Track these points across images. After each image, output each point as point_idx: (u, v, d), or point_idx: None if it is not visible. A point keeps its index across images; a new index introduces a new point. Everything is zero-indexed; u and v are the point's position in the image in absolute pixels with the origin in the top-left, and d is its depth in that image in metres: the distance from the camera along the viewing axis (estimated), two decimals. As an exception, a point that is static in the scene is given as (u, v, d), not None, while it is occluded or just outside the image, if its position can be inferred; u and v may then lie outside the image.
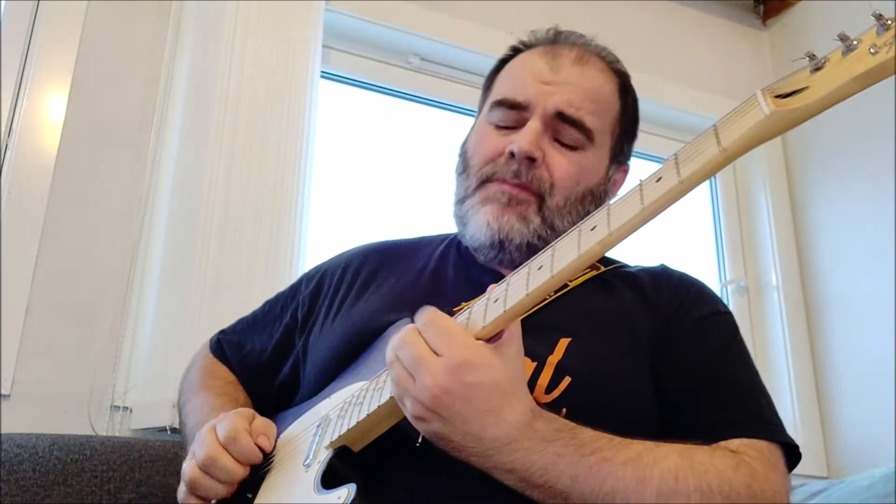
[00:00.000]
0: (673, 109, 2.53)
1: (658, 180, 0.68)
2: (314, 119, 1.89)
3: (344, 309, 1.08)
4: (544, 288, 0.72)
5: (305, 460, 0.84)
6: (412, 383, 0.74)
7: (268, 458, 0.92)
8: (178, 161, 1.77)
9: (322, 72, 2.00)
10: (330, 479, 0.80)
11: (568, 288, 0.99)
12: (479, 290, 0.96)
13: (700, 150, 0.66)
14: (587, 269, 1.04)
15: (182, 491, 0.90)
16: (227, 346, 1.19)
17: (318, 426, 0.88)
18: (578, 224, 0.74)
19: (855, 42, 0.61)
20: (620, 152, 1.12)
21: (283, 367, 1.11)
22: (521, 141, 1.00)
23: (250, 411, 0.94)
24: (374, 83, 2.22)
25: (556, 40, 1.11)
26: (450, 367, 0.73)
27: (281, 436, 0.95)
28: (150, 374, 1.60)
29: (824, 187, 2.49)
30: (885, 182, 2.23)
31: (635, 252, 1.10)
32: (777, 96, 0.63)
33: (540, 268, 0.74)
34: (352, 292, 1.10)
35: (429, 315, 0.77)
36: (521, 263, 0.98)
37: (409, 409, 0.75)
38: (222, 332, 1.23)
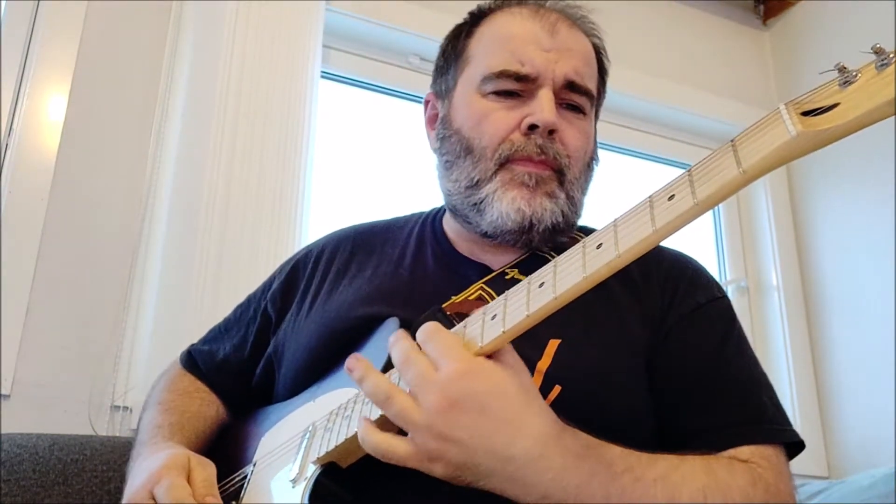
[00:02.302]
0: (672, 109, 2.53)
1: (670, 198, 0.63)
2: (314, 119, 1.89)
3: (318, 303, 1.03)
4: (546, 310, 0.68)
5: (292, 475, 0.81)
6: (415, 410, 0.69)
7: (250, 462, 0.91)
8: (179, 161, 1.77)
9: (322, 72, 2.00)
10: (317, 497, 0.77)
11: None
12: (463, 284, 0.95)
13: (717, 169, 0.61)
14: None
15: None
16: (198, 357, 1.14)
17: (304, 436, 0.85)
18: (583, 240, 0.69)
19: (892, 56, 0.55)
20: (598, 113, 1.09)
21: (258, 368, 1.07)
22: (545, 112, 0.93)
23: (183, 461, 0.85)
24: (374, 83, 2.22)
25: (526, 2, 1.03)
26: (451, 378, 0.68)
27: (263, 438, 0.93)
28: (150, 374, 1.60)
29: (824, 187, 2.49)
30: (885, 182, 2.23)
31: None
32: (803, 113, 0.57)
33: (541, 285, 0.69)
34: (325, 285, 1.05)
35: (428, 329, 0.73)
36: (527, 246, 0.97)
37: (417, 448, 0.69)
38: (192, 345, 1.18)
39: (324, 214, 1.97)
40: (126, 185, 1.77)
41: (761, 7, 2.80)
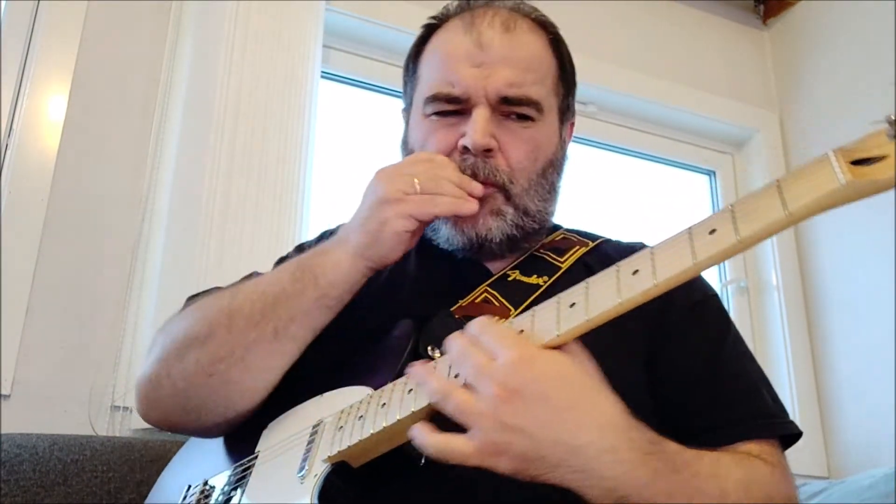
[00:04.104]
0: (672, 109, 2.52)
1: (711, 232, 0.63)
2: (314, 119, 1.89)
3: None
4: (577, 331, 0.68)
5: (300, 471, 0.80)
6: (475, 403, 0.66)
7: (251, 452, 0.90)
8: (179, 161, 1.77)
9: (322, 72, 2.00)
10: (326, 494, 0.76)
11: (559, 273, 0.97)
12: (467, 285, 0.96)
13: (762, 208, 0.61)
14: (577, 246, 1.03)
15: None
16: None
17: (312, 432, 0.84)
18: (618, 263, 0.68)
19: None
20: (567, 110, 1.07)
21: None
22: (474, 135, 0.94)
23: None
24: (374, 83, 2.22)
25: (471, 6, 1.03)
26: (509, 366, 0.65)
27: (266, 431, 0.92)
28: (150, 374, 1.60)
29: (824, 187, 2.48)
30: (885, 182, 2.22)
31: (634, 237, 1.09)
32: (852, 162, 0.58)
33: (572, 305, 0.69)
34: None
35: (483, 321, 0.71)
36: (501, 255, 0.98)
37: (480, 442, 0.66)
38: (195, 294, 1.13)
39: (324, 214, 1.97)
40: (126, 184, 1.77)
41: (761, 7, 2.80)
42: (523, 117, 0.98)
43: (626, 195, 2.52)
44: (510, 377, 0.65)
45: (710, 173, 2.66)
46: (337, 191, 2.07)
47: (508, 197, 0.96)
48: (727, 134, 2.64)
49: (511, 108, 0.97)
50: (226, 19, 1.85)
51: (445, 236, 0.98)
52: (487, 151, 0.95)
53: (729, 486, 0.73)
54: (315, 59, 1.93)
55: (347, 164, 2.13)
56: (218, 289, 1.04)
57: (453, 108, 0.98)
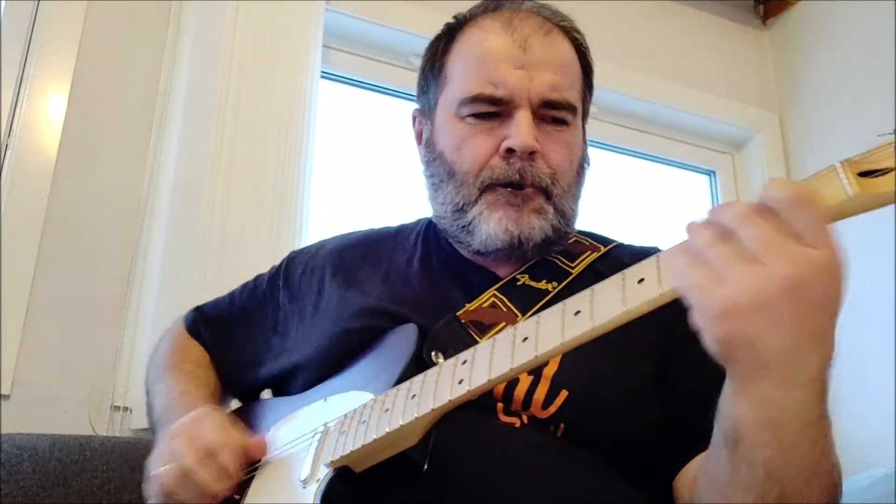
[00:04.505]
0: (672, 109, 2.52)
1: None
2: (314, 119, 1.89)
3: (331, 303, 1.03)
4: (581, 339, 0.67)
5: (302, 475, 0.80)
6: (753, 267, 0.56)
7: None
8: (179, 161, 1.77)
9: (322, 72, 2.00)
10: (328, 499, 0.76)
11: (569, 279, 0.96)
12: (473, 290, 0.96)
13: None
14: (588, 251, 1.03)
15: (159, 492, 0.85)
16: (205, 331, 1.15)
17: (314, 436, 0.84)
18: (624, 271, 0.66)
19: None
20: (587, 113, 1.08)
21: (266, 363, 1.06)
22: (522, 137, 0.93)
23: (223, 416, 0.91)
24: (374, 83, 2.22)
25: (500, 7, 1.02)
26: (824, 258, 0.56)
27: (270, 432, 0.92)
28: (150, 374, 1.60)
29: (824, 187, 2.48)
30: (885, 182, 2.22)
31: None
32: (859, 174, 0.58)
33: (577, 313, 0.67)
34: (336, 286, 1.05)
35: (803, 195, 0.58)
36: (518, 259, 0.98)
37: (725, 297, 0.57)
38: (198, 310, 1.19)
39: (324, 215, 1.97)
40: (126, 184, 1.77)
41: (761, 7, 2.80)
42: (558, 121, 0.98)
43: (626, 195, 2.52)
44: (810, 273, 0.56)
45: (710, 173, 2.67)
46: (337, 190, 2.07)
47: (549, 197, 0.96)
48: (727, 134, 2.64)
49: (549, 112, 0.97)
50: (226, 19, 1.85)
51: (483, 237, 0.96)
52: (531, 154, 0.95)
53: (833, 459, 0.68)
54: (315, 59, 1.93)
55: (347, 165, 2.13)
56: (203, 310, 1.19)
57: (493, 109, 0.96)
